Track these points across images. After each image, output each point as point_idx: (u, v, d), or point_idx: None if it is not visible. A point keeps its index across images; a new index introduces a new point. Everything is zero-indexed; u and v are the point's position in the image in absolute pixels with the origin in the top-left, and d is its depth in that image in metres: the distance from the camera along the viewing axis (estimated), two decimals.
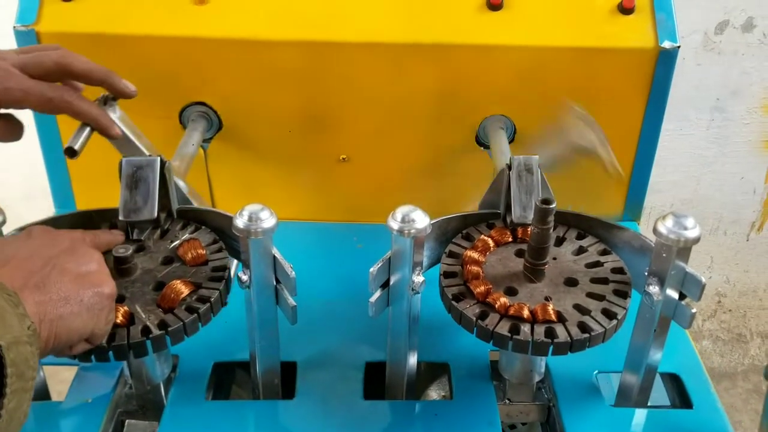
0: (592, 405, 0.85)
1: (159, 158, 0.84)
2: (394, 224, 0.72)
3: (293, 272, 0.75)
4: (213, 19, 1.04)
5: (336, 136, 1.12)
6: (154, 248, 0.82)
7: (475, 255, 0.82)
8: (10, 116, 0.78)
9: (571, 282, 0.79)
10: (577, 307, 0.76)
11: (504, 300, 0.75)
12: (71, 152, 0.81)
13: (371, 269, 0.74)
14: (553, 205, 0.73)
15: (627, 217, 1.17)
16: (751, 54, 1.79)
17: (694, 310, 0.75)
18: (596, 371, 0.89)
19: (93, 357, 0.70)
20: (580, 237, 0.86)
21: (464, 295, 0.78)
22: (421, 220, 0.72)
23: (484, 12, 1.04)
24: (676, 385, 0.90)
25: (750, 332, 2.26)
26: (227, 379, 0.98)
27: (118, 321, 0.71)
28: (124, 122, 0.87)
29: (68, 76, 0.81)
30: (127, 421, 0.88)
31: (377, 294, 0.76)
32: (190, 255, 0.80)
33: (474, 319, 0.74)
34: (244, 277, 0.75)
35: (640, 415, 0.85)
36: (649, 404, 0.85)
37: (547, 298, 0.77)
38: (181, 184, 0.89)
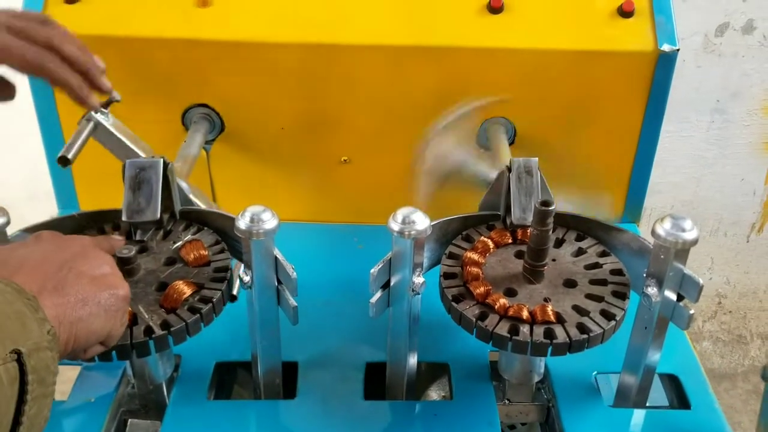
0: (591, 405, 0.86)
1: (162, 160, 0.84)
2: (395, 226, 0.72)
3: (295, 273, 0.76)
4: (215, 22, 1.04)
5: (337, 137, 1.13)
6: (157, 249, 0.83)
7: (474, 256, 0.83)
8: (1, 78, 0.78)
9: (570, 283, 0.80)
10: (576, 308, 0.76)
11: (503, 301, 0.76)
12: (64, 161, 0.82)
13: (372, 270, 0.75)
14: (553, 207, 0.74)
15: (626, 219, 1.18)
16: (752, 56, 1.79)
17: (692, 312, 0.75)
18: (595, 372, 0.90)
19: (96, 357, 0.70)
20: (579, 239, 0.87)
21: (464, 296, 0.78)
22: (422, 222, 0.72)
23: (485, 15, 1.05)
24: (674, 385, 0.90)
25: (750, 333, 2.26)
26: (229, 379, 0.99)
27: None
28: (117, 128, 0.88)
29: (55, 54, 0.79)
30: (129, 420, 0.89)
31: (378, 295, 0.77)
32: (192, 256, 0.81)
33: (473, 319, 0.75)
34: (246, 278, 0.76)
35: (638, 415, 0.85)
36: (647, 405, 0.86)
37: (546, 300, 0.77)
38: (183, 185, 0.90)
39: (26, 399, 0.50)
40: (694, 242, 0.72)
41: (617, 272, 0.81)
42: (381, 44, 1.04)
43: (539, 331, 0.73)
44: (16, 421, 0.50)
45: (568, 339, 0.73)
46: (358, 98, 1.09)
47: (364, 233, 1.15)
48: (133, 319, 0.73)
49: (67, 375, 0.90)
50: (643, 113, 1.08)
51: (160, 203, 0.83)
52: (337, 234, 1.16)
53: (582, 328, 0.74)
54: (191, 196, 0.90)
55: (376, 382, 0.88)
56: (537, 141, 1.11)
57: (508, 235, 0.87)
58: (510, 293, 0.78)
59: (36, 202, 1.69)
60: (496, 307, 0.76)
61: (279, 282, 0.78)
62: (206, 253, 0.82)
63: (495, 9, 1.04)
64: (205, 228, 0.87)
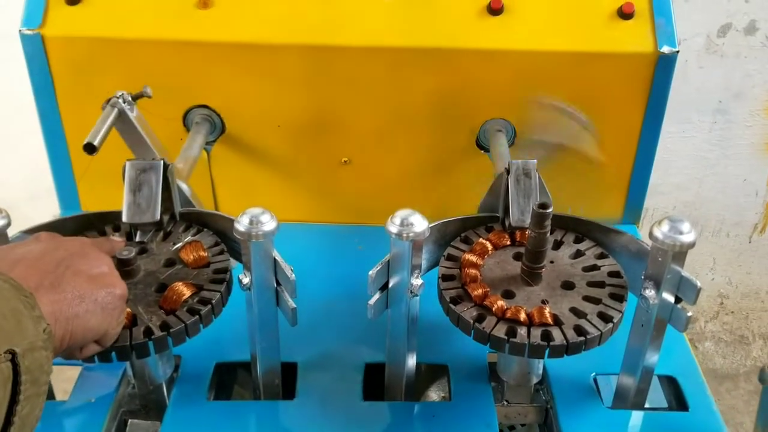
0: (589, 407, 0.86)
1: (162, 161, 0.85)
2: (393, 228, 0.72)
3: (293, 275, 0.76)
4: (216, 24, 1.05)
5: (338, 139, 1.13)
6: (157, 250, 0.84)
7: (473, 258, 0.83)
8: None
9: (568, 285, 0.80)
10: (574, 311, 0.76)
11: (501, 303, 0.76)
12: (91, 148, 0.80)
13: (370, 272, 0.75)
14: (550, 210, 0.74)
15: (626, 221, 1.18)
16: (754, 57, 1.79)
17: (689, 314, 0.75)
18: (594, 373, 0.90)
19: (96, 357, 0.71)
20: (577, 240, 0.87)
21: (462, 298, 0.79)
22: (420, 224, 0.73)
23: (485, 16, 1.05)
24: (672, 387, 0.90)
25: (752, 334, 2.26)
26: (229, 380, 0.99)
27: None
28: (140, 123, 0.88)
29: None
30: (129, 420, 0.89)
31: (376, 296, 0.77)
32: (192, 257, 0.82)
33: (471, 321, 0.75)
34: (245, 280, 0.76)
35: (636, 417, 0.85)
36: (646, 406, 0.86)
37: (543, 302, 0.77)
38: (183, 186, 0.90)
39: (19, 399, 0.51)
40: (692, 245, 0.72)
41: (615, 274, 0.81)
42: (382, 46, 1.05)
43: (536, 333, 0.74)
44: (8, 421, 0.50)
45: (565, 341, 0.73)
46: (359, 99, 1.09)
47: (364, 234, 1.15)
48: (133, 320, 0.73)
49: (68, 374, 0.90)
50: (643, 115, 1.08)
51: (160, 205, 0.84)
52: (338, 235, 1.17)
53: (579, 331, 0.74)
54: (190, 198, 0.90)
55: (375, 383, 0.88)
56: (536, 142, 1.11)
57: (507, 236, 0.87)
58: (508, 295, 0.79)
59: (37, 201, 1.69)
60: (493, 309, 0.76)
61: (278, 283, 0.78)
62: (206, 254, 0.82)
63: (495, 11, 1.05)
64: (205, 229, 0.87)
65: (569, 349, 0.73)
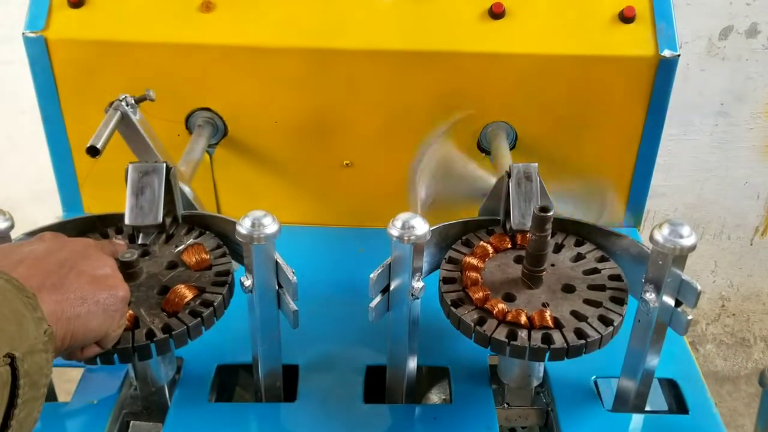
0: (589, 410, 0.86)
1: (165, 164, 0.85)
2: (394, 231, 0.73)
3: (295, 277, 0.76)
4: (219, 27, 1.05)
5: (339, 141, 1.13)
6: (159, 253, 0.84)
7: (474, 261, 0.83)
8: None
9: (568, 288, 0.80)
10: (574, 314, 0.77)
11: (502, 306, 0.77)
12: (93, 151, 0.79)
13: (371, 275, 0.75)
14: (551, 213, 0.74)
15: (628, 224, 1.18)
16: (755, 59, 1.79)
17: (690, 317, 0.75)
18: (594, 376, 0.90)
19: (98, 359, 0.71)
20: (578, 244, 0.87)
21: (463, 301, 0.79)
22: (421, 227, 0.73)
23: (487, 20, 1.06)
24: (673, 390, 0.91)
25: (753, 336, 2.26)
26: (231, 382, 1.00)
27: None
28: (143, 126, 0.88)
29: None
30: (131, 422, 0.89)
31: (377, 299, 0.77)
32: (194, 259, 0.82)
33: (472, 324, 0.76)
34: (247, 282, 0.77)
35: (636, 420, 0.86)
36: (646, 409, 0.86)
37: (544, 305, 0.78)
38: (186, 189, 0.91)
39: (17, 403, 0.51)
40: (692, 249, 0.72)
41: (616, 278, 0.81)
42: (384, 49, 1.05)
43: (537, 336, 0.74)
44: (5, 425, 0.50)
45: (565, 344, 0.73)
46: (361, 103, 1.10)
47: (365, 237, 1.16)
48: (135, 323, 0.74)
49: (71, 375, 0.91)
50: (644, 118, 1.08)
51: (163, 207, 0.84)
52: (339, 238, 1.17)
53: (580, 334, 0.74)
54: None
55: (377, 385, 0.89)
56: (538, 146, 1.11)
57: (508, 240, 0.87)
58: (509, 298, 0.79)
59: (40, 203, 1.70)
60: (494, 312, 0.76)
61: (280, 286, 0.78)
62: (208, 257, 0.83)
63: (496, 14, 1.05)
64: (207, 232, 0.87)
65: (570, 352, 0.73)
